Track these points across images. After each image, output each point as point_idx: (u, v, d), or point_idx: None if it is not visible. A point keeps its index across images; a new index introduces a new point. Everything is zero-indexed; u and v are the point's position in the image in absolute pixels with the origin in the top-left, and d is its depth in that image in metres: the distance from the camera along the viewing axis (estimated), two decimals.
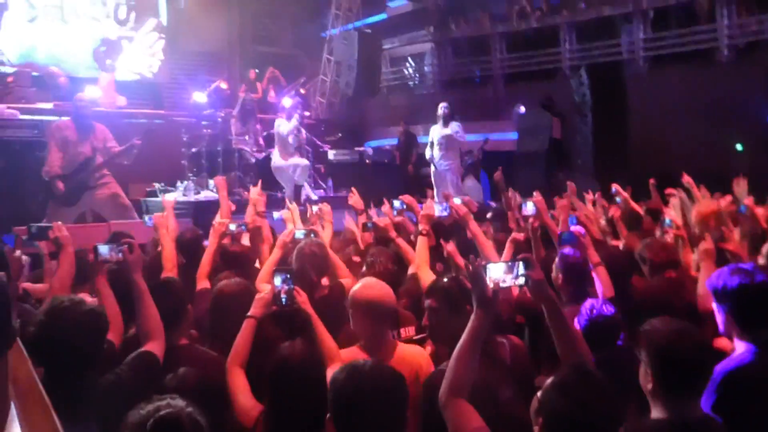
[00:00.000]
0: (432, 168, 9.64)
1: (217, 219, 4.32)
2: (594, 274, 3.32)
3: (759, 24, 10.58)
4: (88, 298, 2.85)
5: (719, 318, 2.44)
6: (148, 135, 7.47)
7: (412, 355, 2.82)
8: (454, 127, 9.42)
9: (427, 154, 9.70)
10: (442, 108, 9.52)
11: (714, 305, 2.47)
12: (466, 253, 3.89)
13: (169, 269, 3.79)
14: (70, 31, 11.41)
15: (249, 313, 2.79)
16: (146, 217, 4.82)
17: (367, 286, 2.85)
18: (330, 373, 2.63)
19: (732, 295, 2.37)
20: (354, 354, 2.73)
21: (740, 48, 10.71)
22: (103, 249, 2.96)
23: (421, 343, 3.10)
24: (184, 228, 4.71)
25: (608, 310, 2.83)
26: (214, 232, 4.08)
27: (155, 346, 2.67)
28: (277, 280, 2.85)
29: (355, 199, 5.07)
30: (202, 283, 3.72)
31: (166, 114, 11.00)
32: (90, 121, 7.01)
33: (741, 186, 5.38)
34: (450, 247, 3.90)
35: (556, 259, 3.54)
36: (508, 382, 2.55)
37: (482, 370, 2.37)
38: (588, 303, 2.88)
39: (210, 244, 4.02)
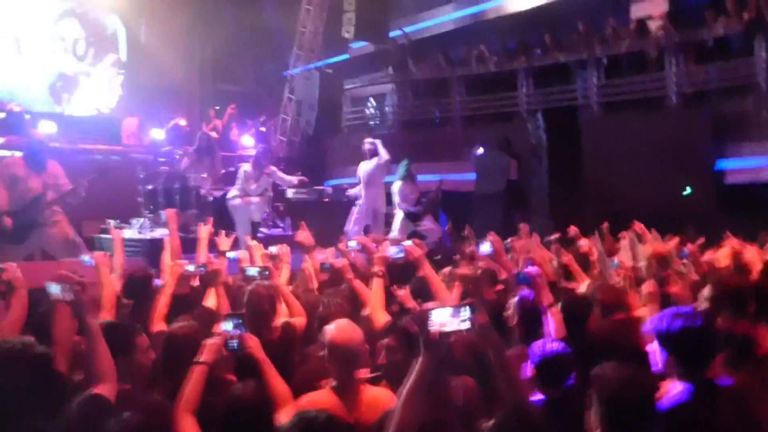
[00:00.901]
0: (356, 206, 9.68)
1: (167, 257, 4.25)
2: (546, 315, 3.37)
3: (705, 74, 11.03)
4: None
5: (660, 358, 2.51)
6: (103, 172, 7.37)
7: (381, 397, 2.82)
8: (373, 162, 9.53)
9: (354, 190, 9.76)
10: (367, 143, 9.55)
11: (654, 346, 2.54)
12: (423, 293, 3.92)
13: (107, 310, 3.70)
14: (27, 65, 11.28)
15: (200, 359, 2.75)
16: (86, 257, 4.65)
17: (338, 329, 2.85)
18: (281, 416, 2.63)
19: (674, 338, 2.45)
20: (325, 397, 2.72)
21: (687, 96, 11.14)
22: (54, 288, 2.89)
23: (375, 383, 3.09)
24: (134, 267, 4.62)
25: (559, 347, 2.88)
26: (172, 273, 4.02)
27: (107, 389, 2.60)
28: (228, 325, 2.84)
29: (304, 235, 5.04)
30: (159, 326, 3.66)
31: (122, 150, 10.88)
32: (44, 157, 6.88)
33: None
34: (401, 292, 3.92)
35: (513, 300, 3.58)
36: (458, 424, 2.56)
37: (433, 411, 2.38)
38: (540, 342, 2.93)
39: (167, 285, 3.96)
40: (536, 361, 2.84)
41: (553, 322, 3.34)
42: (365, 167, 9.62)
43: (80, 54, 11.84)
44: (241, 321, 2.86)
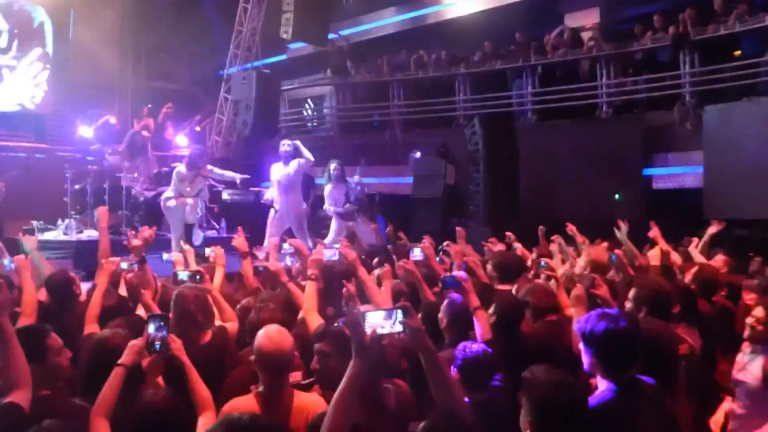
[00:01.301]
0: (273, 210, 9.26)
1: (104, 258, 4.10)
2: (474, 318, 3.40)
3: (634, 84, 11.45)
4: None
5: (585, 359, 2.58)
6: (27, 170, 7.06)
7: (310, 404, 2.77)
8: (294, 165, 9.15)
9: (269, 194, 9.33)
10: (285, 146, 9.24)
11: (581, 346, 2.60)
12: (360, 297, 3.90)
13: (28, 315, 3.57)
14: None
15: (119, 361, 2.66)
16: (6, 260, 4.45)
17: (266, 336, 2.79)
18: (202, 421, 2.58)
19: (597, 339, 2.52)
20: (248, 402, 2.66)
21: (618, 105, 11.53)
22: None
23: (307, 388, 3.05)
24: (55, 270, 4.43)
25: (479, 349, 2.91)
26: (104, 272, 3.88)
27: (21, 396, 2.48)
28: (151, 327, 2.75)
29: (239, 240, 4.96)
30: (91, 327, 3.52)
31: (48, 148, 10.45)
32: None
33: (622, 231, 5.74)
34: (351, 287, 3.91)
35: (444, 303, 3.61)
36: (391, 427, 2.56)
37: (366, 415, 2.36)
38: (461, 344, 2.96)
39: (99, 284, 3.81)
40: (458, 363, 2.88)
41: (479, 325, 3.37)
42: (282, 171, 9.14)
43: (3, 47, 11.30)
44: (163, 323, 2.77)
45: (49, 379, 2.78)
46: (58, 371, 2.86)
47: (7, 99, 11.17)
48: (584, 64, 12.02)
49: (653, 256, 4.82)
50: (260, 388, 2.76)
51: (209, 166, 9.47)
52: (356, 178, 10.75)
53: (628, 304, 3.54)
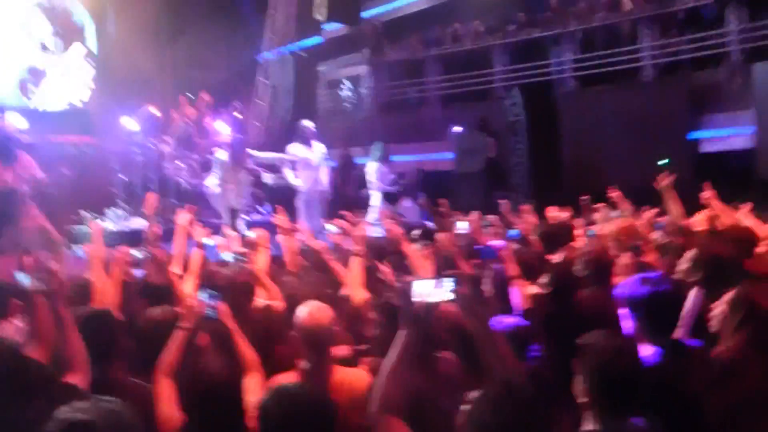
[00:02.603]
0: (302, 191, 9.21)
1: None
2: (511, 287, 3.37)
3: (677, 45, 11.09)
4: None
5: (629, 323, 2.55)
6: (78, 164, 7.27)
7: (351, 379, 2.80)
8: (321, 146, 9.17)
9: (294, 177, 9.24)
10: (309, 128, 9.17)
11: (624, 311, 2.57)
12: (404, 272, 3.92)
13: (100, 302, 3.67)
14: None
15: (181, 324, 2.79)
16: (76, 248, 4.62)
17: (306, 312, 2.84)
18: (249, 381, 2.70)
19: (640, 302, 2.49)
20: (290, 379, 2.69)
21: (661, 68, 11.19)
22: (25, 278, 2.89)
23: (353, 363, 3.08)
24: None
25: (512, 322, 2.89)
26: (117, 262, 3.97)
27: (78, 378, 2.59)
28: (204, 296, 2.91)
29: (280, 219, 5.01)
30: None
31: (96, 142, 10.72)
32: (13, 148, 6.77)
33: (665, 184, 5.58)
34: (384, 267, 3.92)
35: (489, 273, 3.60)
36: (443, 395, 2.57)
37: (422, 384, 2.37)
38: (495, 318, 2.94)
39: (114, 274, 3.87)
40: None
41: (517, 294, 3.34)
42: (309, 152, 9.10)
43: (49, 48, 11.61)
44: (214, 293, 2.93)
45: (118, 363, 2.90)
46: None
47: (57, 98, 11.50)
48: (625, 27, 11.68)
49: (698, 221, 4.67)
50: (303, 364, 2.80)
51: (251, 151, 9.56)
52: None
53: (684, 265, 3.45)
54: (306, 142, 9.19)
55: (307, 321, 2.79)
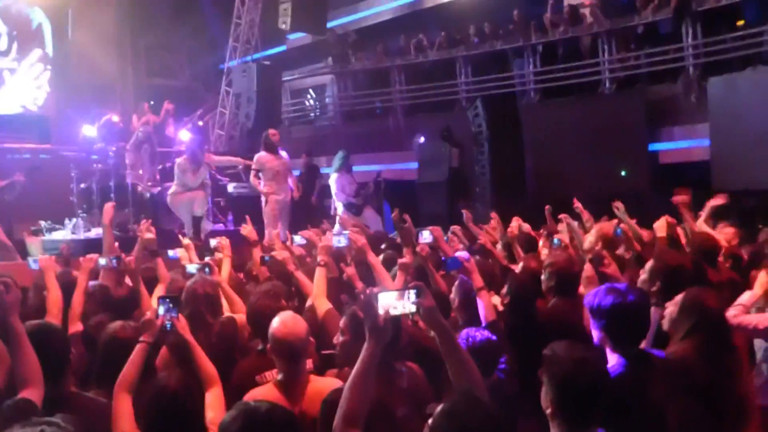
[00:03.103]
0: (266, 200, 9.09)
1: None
2: (477, 299, 3.38)
3: (636, 59, 11.35)
4: None
5: (595, 333, 2.57)
6: (32, 171, 7.08)
7: (328, 387, 2.75)
8: (285, 154, 9.24)
9: (260, 187, 9.10)
10: (275, 136, 9.19)
11: (591, 321, 2.60)
12: (368, 283, 3.90)
13: (55, 314, 3.58)
14: None
15: (141, 338, 2.73)
16: (30, 259, 4.51)
17: (280, 323, 2.81)
18: (209, 396, 2.65)
19: (605, 313, 2.52)
20: (268, 392, 2.68)
21: (620, 81, 11.43)
22: None
23: (321, 372, 3.06)
24: (61, 271, 4.44)
25: (483, 336, 2.89)
26: (83, 269, 3.90)
27: (33, 393, 2.50)
28: (161, 309, 2.82)
29: (248, 229, 4.98)
30: (75, 326, 3.53)
31: (52, 149, 10.47)
32: None
33: (620, 209, 5.68)
34: (350, 270, 3.91)
35: (456, 283, 3.60)
36: (404, 403, 2.56)
37: (379, 393, 2.36)
38: (464, 332, 2.94)
39: (79, 282, 3.81)
40: None
41: (483, 305, 3.35)
42: (277, 161, 9.09)
43: (3, 49, 11.31)
44: (172, 304, 2.85)
45: (71, 377, 2.82)
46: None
47: (10, 101, 11.21)
48: (585, 41, 11.91)
49: (659, 227, 4.78)
50: (279, 376, 2.78)
51: (210, 155, 9.45)
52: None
53: (643, 276, 3.51)
54: (271, 150, 9.12)
55: (281, 331, 2.76)
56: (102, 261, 4.18)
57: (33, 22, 11.81)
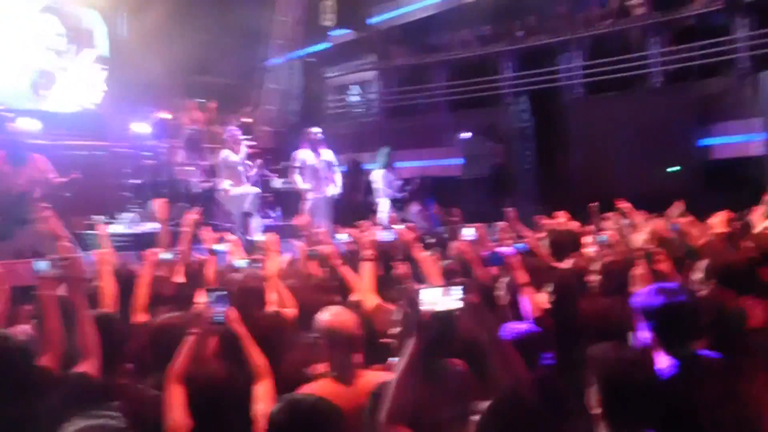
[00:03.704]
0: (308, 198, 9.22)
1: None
2: (521, 295, 3.37)
3: (686, 51, 11.08)
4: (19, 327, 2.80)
5: (645, 334, 2.54)
6: (89, 167, 7.32)
7: (379, 383, 2.79)
8: (329, 152, 9.33)
9: (301, 184, 9.23)
10: (317, 134, 9.30)
11: (640, 321, 2.57)
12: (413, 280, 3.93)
13: (108, 306, 3.69)
14: (5, 62, 11.11)
15: (192, 329, 2.76)
16: (87, 253, 4.68)
17: (334, 315, 2.82)
18: (258, 388, 2.68)
19: (656, 313, 2.48)
20: (326, 387, 2.66)
21: (670, 74, 11.19)
22: (41, 264, 2.92)
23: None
24: (120, 262, 4.59)
25: (525, 329, 2.88)
26: (147, 262, 4.01)
27: (90, 366, 2.63)
28: (212, 301, 2.84)
29: (303, 218, 5.03)
30: (140, 316, 3.63)
31: (107, 145, 10.78)
32: (24, 151, 6.81)
33: (678, 208, 5.57)
34: (401, 269, 3.92)
35: (505, 282, 3.60)
36: (451, 405, 2.56)
37: (426, 393, 2.38)
38: (507, 325, 2.94)
39: (143, 275, 3.92)
40: None
41: (527, 302, 3.34)
42: (317, 158, 9.22)
43: (60, 50, 11.67)
44: (223, 296, 2.86)
45: (124, 367, 2.92)
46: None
47: (68, 100, 11.57)
48: (633, 34, 11.69)
49: (717, 223, 4.66)
50: (333, 371, 2.75)
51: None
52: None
53: (698, 275, 3.45)
54: (313, 148, 9.25)
55: (337, 324, 2.76)
56: (165, 255, 4.29)
57: (89, 24, 12.16)
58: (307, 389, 2.65)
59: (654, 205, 6.69)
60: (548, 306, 3.63)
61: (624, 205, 6.24)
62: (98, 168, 8.50)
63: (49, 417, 2.31)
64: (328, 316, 2.82)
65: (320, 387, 2.64)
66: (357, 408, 2.59)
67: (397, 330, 2.80)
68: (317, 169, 9.24)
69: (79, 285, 2.77)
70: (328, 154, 9.41)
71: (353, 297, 3.86)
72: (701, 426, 2.34)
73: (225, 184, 9.22)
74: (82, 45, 11.98)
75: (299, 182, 9.34)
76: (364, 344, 3.02)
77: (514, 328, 2.91)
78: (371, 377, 2.79)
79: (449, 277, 3.95)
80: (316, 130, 9.48)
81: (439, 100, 13.87)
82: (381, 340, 2.94)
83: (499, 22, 13.75)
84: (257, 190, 9.49)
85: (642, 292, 2.60)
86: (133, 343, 3.13)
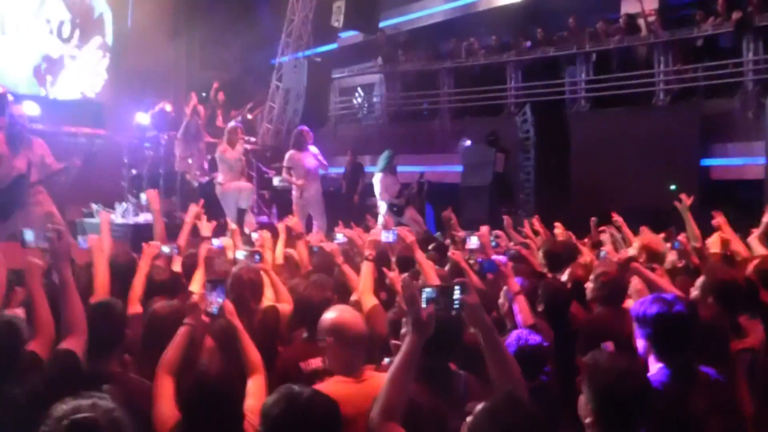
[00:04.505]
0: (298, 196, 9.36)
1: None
2: (513, 303, 3.35)
3: (693, 72, 11.10)
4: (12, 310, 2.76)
5: (640, 342, 2.54)
6: (88, 155, 7.29)
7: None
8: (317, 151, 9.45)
9: (295, 181, 9.35)
10: (305, 132, 9.40)
11: (635, 330, 2.57)
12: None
13: (101, 294, 3.64)
14: (10, 46, 11.08)
15: (185, 320, 2.73)
16: (80, 239, 4.63)
17: (347, 314, 2.78)
18: (251, 383, 2.63)
19: (651, 321, 2.48)
20: (338, 386, 2.57)
21: (675, 93, 11.20)
22: (29, 235, 2.90)
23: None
24: (118, 251, 4.55)
25: (534, 339, 2.87)
26: (146, 255, 3.98)
27: (76, 343, 2.61)
28: (210, 291, 2.82)
29: (294, 221, 5.03)
30: (134, 308, 3.60)
31: (107, 134, 10.75)
32: (26, 135, 6.78)
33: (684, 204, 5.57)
34: (392, 275, 3.90)
35: (505, 288, 3.58)
36: (459, 413, 2.52)
37: (434, 399, 2.34)
38: (514, 333, 2.92)
39: (141, 267, 3.89)
40: (513, 351, 2.79)
41: (519, 310, 3.33)
42: (312, 159, 9.33)
43: (65, 36, 11.65)
44: (220, 288, 2.84)
45: (119, 356, 2.88)
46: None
47: (70, 87, 11.54)
48: (641, 51, 11.71)
49: (712, 243, 4.66)
50: (340, 370, 2.67)
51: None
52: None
53: (695, 292, 3.46)
54: (301, 147, 9.32)
55: (350, 322, 2.71)
56: (165, 249, 4.27)
57: (95, 11, 12.14)
58: (322, 388, 2.58)
59: (653, 221, 6.67)
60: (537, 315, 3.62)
61: (616, 218, 6.25)
62: (97, 157, 8.44)
63: (36, 398, 2.28)
64: (335, 314, 2.76)
65: (332, 386, 2.54)
66: (370, 407, 2.52)
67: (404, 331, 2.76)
68: (307, 168, 9.28)
69: (65, 259, 2.72)
70: (314, 151, 9.46)
71: (352, 297, 3.83)
72: None
73: (220, 178, 9.20)
74: (89, 31, 11.96)
75: (290, 181, 9.41)
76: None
77: (523, 337, 2.88)
78: (380, 377, 2.73)
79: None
80: (306, 129, 9.54)
81: (442, 106, 13.88)
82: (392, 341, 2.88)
83: (507, 31, 13.78)
84: (251, 186, 9.47)
85: (639, 301, 2.60)
86: (129, 333, 3.10)
